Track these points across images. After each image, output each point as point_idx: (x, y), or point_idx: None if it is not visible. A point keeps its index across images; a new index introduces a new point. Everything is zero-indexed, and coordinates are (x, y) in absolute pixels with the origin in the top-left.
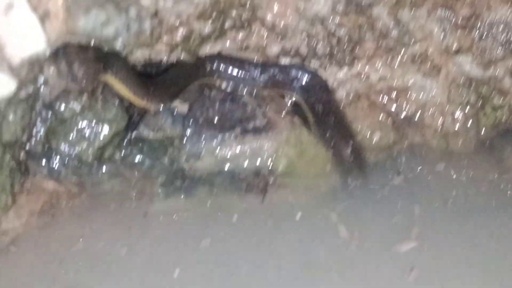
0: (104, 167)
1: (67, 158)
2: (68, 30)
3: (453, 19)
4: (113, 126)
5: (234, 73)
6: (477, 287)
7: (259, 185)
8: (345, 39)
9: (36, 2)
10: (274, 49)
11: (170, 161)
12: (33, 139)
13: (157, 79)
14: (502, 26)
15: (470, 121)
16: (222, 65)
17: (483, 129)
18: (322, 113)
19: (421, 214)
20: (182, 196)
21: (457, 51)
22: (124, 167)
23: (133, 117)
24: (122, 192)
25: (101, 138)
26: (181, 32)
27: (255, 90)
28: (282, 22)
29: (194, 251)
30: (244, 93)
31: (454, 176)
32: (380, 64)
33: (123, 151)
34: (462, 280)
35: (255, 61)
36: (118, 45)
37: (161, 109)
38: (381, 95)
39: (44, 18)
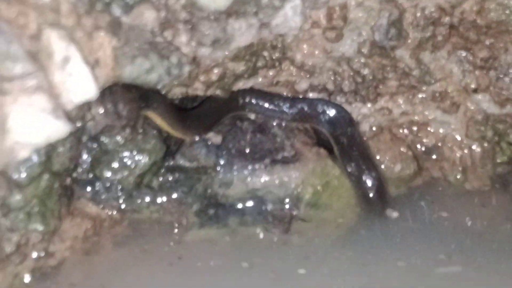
0: (143, 194)
1: (109, 183)
2: (115, 76)
3: (472, 60)
4: (152, 156)
5: (265, 107)
6: None
7: (285, 218)
8: (369, 78)
9: (88, 52)
10: (302, 85)
11: (203, 189)
12: (79, 168)
13: (193, 112)
14: None
15: (486, 155)
16: (253, 99)
17: (499, 163)
18: (347, 145)
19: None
20: (215, 226)
21: (475, 90)
22: (161, 194)
23: (170, 147)
24: (159, 220)
25: (141, 166)
26: (216, 72)
27: (284, 123)
28: (311, 62)
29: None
30: (274, 125)
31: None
32: (402, 101)
33: (161, 178)
34: None
35: (284, 95)
36: (159, 86)
37: (196, 140)
38: (403, 129)
39: (94, 66)
